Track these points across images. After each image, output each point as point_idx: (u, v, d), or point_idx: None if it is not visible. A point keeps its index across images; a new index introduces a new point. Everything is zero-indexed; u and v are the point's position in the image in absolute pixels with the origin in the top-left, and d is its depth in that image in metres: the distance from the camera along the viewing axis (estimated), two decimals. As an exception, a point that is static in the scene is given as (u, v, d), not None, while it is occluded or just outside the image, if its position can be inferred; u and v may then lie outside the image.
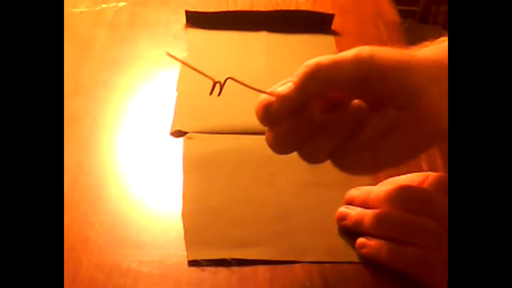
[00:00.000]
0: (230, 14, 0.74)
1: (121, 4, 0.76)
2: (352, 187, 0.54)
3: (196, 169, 0.55)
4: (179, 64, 0.66)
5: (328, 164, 0.56)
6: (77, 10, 0.74)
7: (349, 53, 0.44)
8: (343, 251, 0.49)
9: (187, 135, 0.58)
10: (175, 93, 0.63)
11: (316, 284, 0.46)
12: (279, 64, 0.67)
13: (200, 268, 0.47)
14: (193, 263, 0.47)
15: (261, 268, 0.47)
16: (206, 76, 0.44)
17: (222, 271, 0.47)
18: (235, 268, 0.47)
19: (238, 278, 0.47)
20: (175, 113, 0.60)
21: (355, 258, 0.48)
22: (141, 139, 0.58)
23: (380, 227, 0.47)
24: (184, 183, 0.54)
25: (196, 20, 0.73)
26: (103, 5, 0.75)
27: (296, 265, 0.48)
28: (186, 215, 0.51)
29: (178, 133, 0.58)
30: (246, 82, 0.64)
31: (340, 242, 0.50)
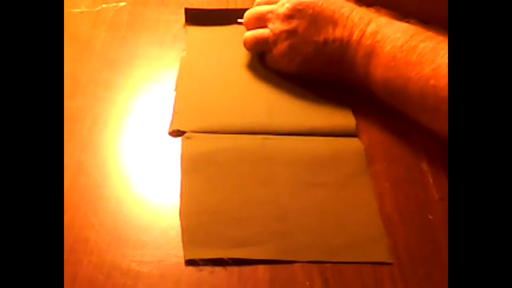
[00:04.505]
0: (230, 12, 0.74)
1: (121, 4, 0.76)
2: (350, 187, 0.54)
3: (194, 168, 0.55)
4: (178, 64, 0.67)
5: (326, 164, 0.56)
6: (77, 10, 0.74)
7: None
8: (342, 251, 0.49)
9: (186, 134, 0.58)
10: (174, 93, 0.63)
11: (316, 284, 0.46)
12: None
13: (200, 268, 0.47)
14: (190, 262, 0.47)
15: (261, 268, 0.47)
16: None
17: (221, 271, 0.47)
18: (235, 268, 0.47)
19: (238, 278, 0.47)
20: (174, 113, 0.60)
21: (354, 258, 0.48)
22: (141, 139, 0.58)
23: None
24: (182, 183, 0.54)
25: (196, 17, 0.73)
26: (103, 5, 0.75)
27: (296, 265, 0.48)
28: (184, 215, 0.51)
29: (176, 133, 0.58)
30: (247, 79, 0.64)
31: (339, 241, 0.49)
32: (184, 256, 0.48)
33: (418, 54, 0.53)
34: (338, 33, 0.59)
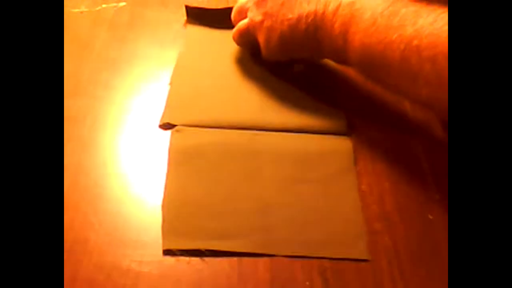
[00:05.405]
0: (231, 10, 0.74)
1: (121, 4, 0.76)
2: (335, 184, 0.54)
3: (181, 161, 0.55)
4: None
5: (313, 161, 0.56)
6: (77, 10, 0.74)
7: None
8: (322, 246, 0.49)
9: (176, 128, 0.58)
10: (168, 87, 0.63)
11: (316, 284, 0.46)
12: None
13: (200, 268, 0.47)
14: (167, 252, 0.47)
15: (261, 268, 0.47)
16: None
17: (222, 271, 0.47)
18: (235, 268, 0.47)
19: (238, 278, 0.47)
20: (166, 106, 0.60)
21: (333, 254, 0.48)
22: (141, 139, 0.58)
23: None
24: (168, 175, 0.54)
25: (196, 15, 0.73)
26: (103, 5, 0.75)
27: (296, 265, 0.48)
28: (166, 206, 0.51)
29: (166, 126, 0.58)
30: (241, 76, 0.64)
31: (319, 237, 0.49)
32: (162, 246, 0.48)
33: (400, 18, 0.51)
34: (311, 7, 0.58)
